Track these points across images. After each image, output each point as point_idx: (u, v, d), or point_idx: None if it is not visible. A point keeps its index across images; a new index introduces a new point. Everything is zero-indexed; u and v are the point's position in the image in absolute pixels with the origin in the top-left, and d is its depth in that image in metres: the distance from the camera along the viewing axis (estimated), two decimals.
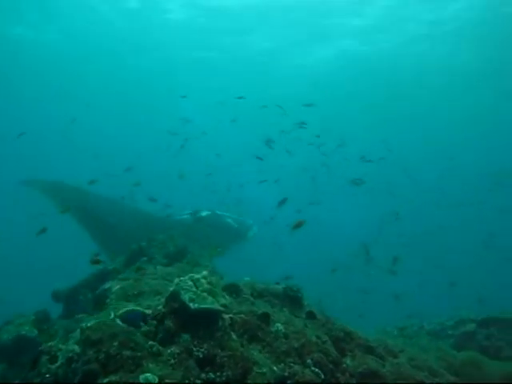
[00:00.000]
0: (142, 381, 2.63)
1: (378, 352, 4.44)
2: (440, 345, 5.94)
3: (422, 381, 3.76)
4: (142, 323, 3.33)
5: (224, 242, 10.35)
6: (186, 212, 10.69)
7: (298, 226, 6.81)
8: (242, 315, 4.00)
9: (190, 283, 3.93)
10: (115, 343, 2.89)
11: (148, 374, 2.74)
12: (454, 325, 6.51)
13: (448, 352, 5.38)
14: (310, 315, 4.71)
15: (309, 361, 3.78)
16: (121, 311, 3.32)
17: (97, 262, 6.23)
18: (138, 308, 3.38)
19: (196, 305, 3.58)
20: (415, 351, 4.77)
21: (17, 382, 3.69)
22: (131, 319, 3.28)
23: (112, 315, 3.34)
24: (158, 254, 6.91)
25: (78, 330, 3.49)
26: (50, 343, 3.45)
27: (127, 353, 2.85)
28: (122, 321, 3.25)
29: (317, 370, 3.65)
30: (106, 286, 5.07)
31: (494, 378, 4.21)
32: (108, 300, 4.41)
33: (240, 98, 13.20)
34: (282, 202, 7.37)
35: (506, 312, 6.09)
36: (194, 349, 3.28)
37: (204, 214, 10.44)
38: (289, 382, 3.38)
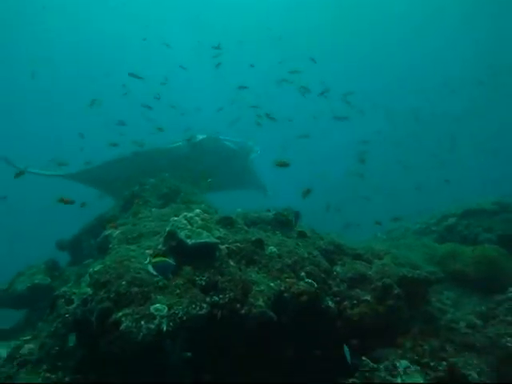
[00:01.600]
0: (152, 311, 2.96)
1: (365, 257, 4.89)
2: (425, 241, 6.48)
3: (403, 275, 4.21)
4: (170, 275, 3.50)
5: (224, 166, 9.85)
6: (180, 139, 9.62)
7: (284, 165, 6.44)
8: (238, 244, 4.29)
9: (185, 222, 4.17)
10: (123, 282, 3.18)
11: (157, 305, 3.07)
12: (437, 222, 7.06)
13: (431, 246, 5.90)
14: (301, 234, 5.05)
15: (302, 274, 4.19)
16: (155, 259, 3.48)
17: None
18: (171, 261, 3.52)
19: (193, 240, 3.85)
20: (400, 251, 5.23)
21: (39, 324, 4.05)
22: (162, 268, 3.43)
23: (148, 260, 3.57)
24: (151, 196, 7.09)
25: (88, 274, 3.80)
26: (63, 288, 3.77)
27: (135, 289, 3.16)
28: (154, 268, 3.41)
29: (310, 280, 4.07)
30: (107, 232, 5.31)
31: (467, 262, 4.77)
32: (111, 245, 4.67)
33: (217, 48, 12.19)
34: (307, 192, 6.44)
35: (482, 203, 6.58)
36: (197, 278, 3.60)
37: (200, 138, 9.38)
38: (285, 294, 3.80)
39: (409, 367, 3.29)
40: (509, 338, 3.45)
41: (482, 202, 6.65)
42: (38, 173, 9.12)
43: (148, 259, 3.63)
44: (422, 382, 3.14)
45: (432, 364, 3.29)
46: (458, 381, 3.04)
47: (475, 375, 3.03)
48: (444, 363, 3.23)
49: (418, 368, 3.27)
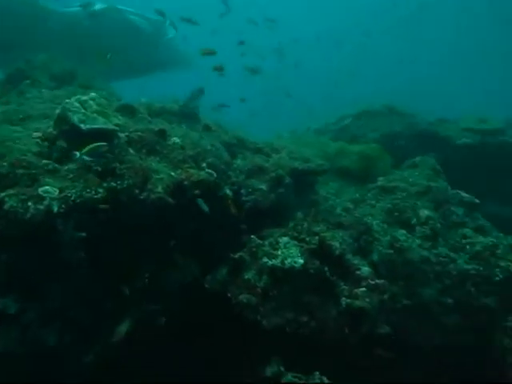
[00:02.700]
0: (41, 193, 2.89)
1: (265, 151, 5.22)
2: (321, 139, 7.10)
3: (295, 167, 4.67)
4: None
5: (132, 49, 8.43)
6: (74, 4, 7.83)
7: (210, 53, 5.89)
8: (139, 133, 4.17)
9: (77, 105, 3.84)
10: (5, 163, 2.98)
11: (47, 187, 2.99)
12: (335, 122, 7.72)
13: (325, 144, 6.51)
14: (206, 128, 5.11)
15: (203, 165, 4.36)
16: (86, 149, 3.33)
17: None
18: (102, 143, 3.44)
19: (87, 126, 3.63)
20: (298, 147, 5.68)
21: None
22: (99, 153, 3.42)
23: (78, 155, 3.33)
24: (42, 76, 6.23)
25: None
26: None
27: (20, 171, 2.99)
28: (90, 155, 3.35)
29: (210, 171, 4.28)
30: None
31: (351, 159, 5.48)
32: None
33: None
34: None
35: (375, 105, 7.32)
36: (92, 164, 3.52)
37: (99, 6, 7.74)
38: (185, 182, 3.96)
39: (288, 242, 3.89)
40: (370, 217, 4.22)
41: (375, 104, 7.36)
42: None
43: (77, 153, 3.36)
44: (297, 253, 3.77)
45: (307, 239, 3.92)
46: (325, 250, 3.72)
47: (337, 244, 3.72)
48: (316, 237, 3.87)
49: (296, 242, 3.89)
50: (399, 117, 6.80)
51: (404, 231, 3.97)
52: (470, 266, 3.68)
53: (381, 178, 4.82)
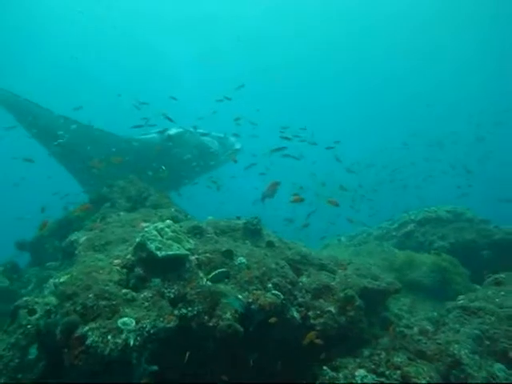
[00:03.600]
0: (120, 325, 2.98)
1: (329, 267, 5.10)
2: (384, 247, 6.85)
3: (364, 286, 4.45)
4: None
5: (199, 164, 9.27)
6: (152, 131, 8.99)
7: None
8: (208, 254, 4.35)
9: (155, 233, 4.18)
10: (90, 295, 3.17)
11: (125, 318, 3.09)
12: (398, 227, 7.50)
13: (390, 252, 6.24)
14: (270, 244, 5.19)
15: (269, 285, 4.31)
16: (212, 275, 3.95)
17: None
18: (224, 269, 4.11)
19: (163, 252, 3.88)
20: (362, 260, 5.49)
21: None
22: (221, 279, 4.01)
23: (205, 280, 3.89)
24: (120, 198, 7.00)
25: (52, 283, 3.73)
26: (25, 298, 3.66)
27: (103, 302, 3.16)
28: (213, 282, 3.92)
29: (276, 292, 4.20)
30: (73, 237, 5.21)
31: (422, 271, 5.14)
32: (76, 251, 4.60)
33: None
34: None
35: (438, 211, 7.08)
36: (166, 290, 3.65)
37: (173, 131, 8.74)
38: (253, 306, 3.91)
39: (366, 376, 3.50)
40: (456, 345, 3.73)
41: (439, 209, 7.16)
42: None
43: (204, 279, 3.91)
44: None
45: (387, 373, 3.51)
46: None
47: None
48: (398, 372, 3.46)
49: (375, 377, 3.49)
50: (468, 223, 6.48)
51: (502, 365, 3.43)
52: None
53: (461, 297, 4.39)
